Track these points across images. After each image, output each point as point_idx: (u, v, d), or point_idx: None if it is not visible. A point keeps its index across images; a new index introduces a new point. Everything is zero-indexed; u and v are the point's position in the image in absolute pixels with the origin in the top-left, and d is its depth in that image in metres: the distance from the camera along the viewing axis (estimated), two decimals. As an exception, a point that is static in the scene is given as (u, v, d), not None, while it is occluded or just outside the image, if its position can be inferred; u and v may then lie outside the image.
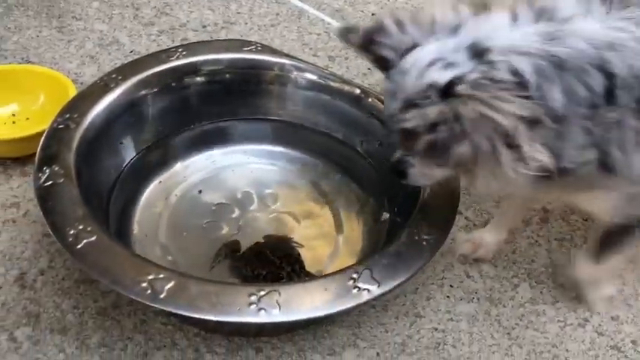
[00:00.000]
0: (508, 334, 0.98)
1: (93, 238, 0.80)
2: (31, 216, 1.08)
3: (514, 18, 0.75)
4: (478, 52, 0.71)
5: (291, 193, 1.12)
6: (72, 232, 0.80)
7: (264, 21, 1.60)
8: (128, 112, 1.05)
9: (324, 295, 0.78)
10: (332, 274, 0.83)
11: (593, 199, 0.85)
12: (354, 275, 0.80)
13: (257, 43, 1.16)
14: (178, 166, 1.12)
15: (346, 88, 1.11)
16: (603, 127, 0.72)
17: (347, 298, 0.78)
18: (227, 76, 1.11)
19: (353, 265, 0.84)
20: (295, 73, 1.11)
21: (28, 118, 1.21)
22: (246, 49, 1.14)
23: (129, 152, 1.07)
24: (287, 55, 1.15)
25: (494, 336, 0.98)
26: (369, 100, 1.08)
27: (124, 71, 1.06)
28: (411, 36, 0.77)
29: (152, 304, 0.75)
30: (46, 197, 0.84)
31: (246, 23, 1.59)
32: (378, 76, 1.45)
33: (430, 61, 0.72)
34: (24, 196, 1.11)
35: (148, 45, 1.47)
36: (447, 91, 0.70)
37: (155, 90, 1.08)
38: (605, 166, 0.75)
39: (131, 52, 1.45)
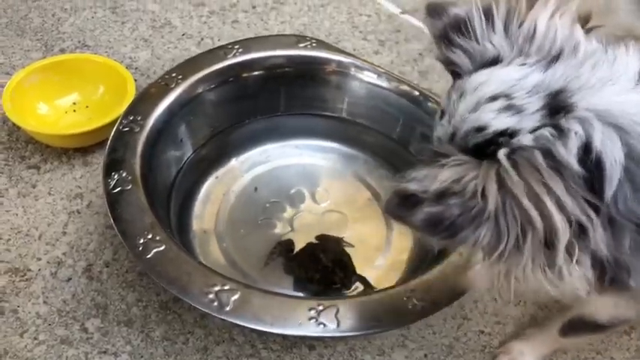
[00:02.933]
0: (553, 339, 1.01)
1: (162, 248, 0.84)
2: (95, 207, 1.13)
3: None
4: (557, 107, 0.54)
5: (341, 190, 1.14)
6: (141, 240, 0.85)
7: (313, 1, 1.59)
8: (187, 110, 1.07)
9: (381, 311, 0.82)
10: (388, 289, 0.87)
11: (612, 307, 0.76)
12: (409, 291, 0.83)
13: (312, 38, 1.16)
14: (234, 162, 1.15)
15: (403, 87, 1.11)
16: None
17: (403, 316, 0.81)
18: (283, 71, 1.12)
19: (407, 280, 0.87)
20: (353, 70, 1.12)
21: (87, 106, 1.25)
22: (302, 45, 1.14)
23: (187, 149, 1.10)
24: (343, 52, 1.15)
25: (539, 340, 1.01)
26: (428, 102, 1.07)
27: (184, 70, 1.08)
28: (497, 45, 0.61)
29: (219, 317, 0.79)
30: (115, 204, 0.88)
31: (296, 3, 1.58)
32: (428, 62, 1.45)
33: (493, 94, 0.57)
34: (87, 187, 1.15)
35: (200, 27, 1.49)
36: (489, 145, 0.55)
37: (212, 86, 1.10)
38: None
39: (183, 34, 1.47)
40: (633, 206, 0.53)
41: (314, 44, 1.15)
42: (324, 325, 0.79)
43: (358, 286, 0.99)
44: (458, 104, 0.59)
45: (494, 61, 0.61)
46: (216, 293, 0.80)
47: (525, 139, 0.54)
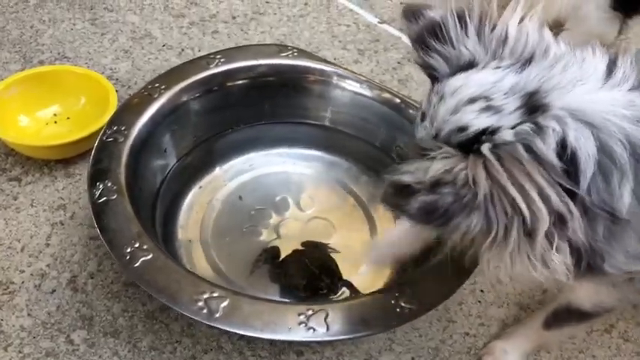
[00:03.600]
0: (536, 339, 1.03)
1: (149, 257, 0.84)
2: (78, 218, 1.12)
3: (609, 70, 0.60)
4: (533, 106, 0.58)
5: (326, 197, 1.15)
6: (128, 250, 0.85)
7: (292, 11, 1.61)
8: (171, 120, 1.08)
9: (369, 314, 0.82)
10: (376, 292, 0.87)
11: (594, 293, 0.80)
12: (397, 294, 0.84)
13: (293, 47, 1.18)
14: (218, 171, 1.16)
15: (385, 95, 1.12)
16: None
17: (391, 318, 0.82)
18: (265, 80, 1.13)
19: (395, 284, 0.88)
20: (335, 78, 1.13)
21: (68, 118, 1.25)
22: (283, 54, 1.15)
23: (172, 158, 1.10)
24: (325, 61, 1.16)
25: (522, 341, 1.02)
26: (409, 109, 1.09)
27: (167, 80, 1.08)
28: (471, 51, 0.64)
29: (209, 324, 0.79)
30: (100, 214, 0.88)
31: (275, 14, 1.60)
32: (407, 70, 1.47)
33: (472, 97, 0.60)
34: (69, 198, 1.15)
35: (180, 38, 1.49)
36: (472, 142, 0.58)
37: (196, 96, 1.10)
38: None
39: (163, 45, 1.47)
40: (605, 197, 0.57)
41: (295, 53, 1.16)
42: (314, 329, 0.80)
43: (345, 292, 1.00)
44: (438, 107, 0.62)
45: (470, 65, 0.64)
46: (206, 300, 0.80)
47: (506, 135, 0.57)
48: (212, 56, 1.14)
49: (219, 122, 1.15)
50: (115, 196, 0.91)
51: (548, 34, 0.64)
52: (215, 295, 0.81)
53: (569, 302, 0.86)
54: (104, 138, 0.98)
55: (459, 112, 0.60)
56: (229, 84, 1.12)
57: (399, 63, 1.49)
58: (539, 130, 0.56)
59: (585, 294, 0.81)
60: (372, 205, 1.13)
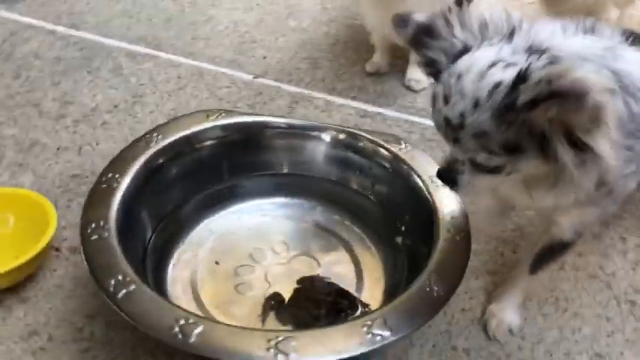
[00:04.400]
0: None
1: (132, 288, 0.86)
2: (57, 338, 1.03)
3: (564, 28, 0.78)
4: (539, 52, 0.72)
5: (299, 238, 1.19)
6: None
7: (169, 87, 1.64)
8: (138, 203, 1.06)
9: (339, 340, 0.85)
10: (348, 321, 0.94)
11: (578, 215, 0.92)
12: (369, 322, 0.87)
13: (218, 110, 1.22)
14: (183, 245, 1.16)
15: (331, 132, 1.22)
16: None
17: (361, 344, 0.84)
18: (212, 143, 1.17)
19: (368, 312, 0.95)
20: (276, 129, 1.21)
21: (-4, 242, 1.14)
22: (212, 117, 1.19)
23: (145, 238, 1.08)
24: (257, 114, 1.23)
25: None
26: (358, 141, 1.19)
27: (116, 168, 1.07)
28: (461, 39, 0.78)
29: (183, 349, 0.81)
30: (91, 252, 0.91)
31: (154, 92, 1.61)
32: (300, 111, 1.57)
33: (491, 63, 0.72)
34: (37, 322, 1.06)
35: (71, 138, 1.45)
36: (514, 88, 0.70)
37: (151, 176, 1.10)
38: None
39: (58, 149, 1.41)
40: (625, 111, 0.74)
41: (223, 114, 1.21)
42: (286, 354, 0.82)
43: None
44: (459, 83, 0.74)
45: (465, 50, 0.78)
46: (181, 327, 0.83)
47: (539, 72, 0.69)
48: (147, 135, 1.14)
49: (175, 197, 1.15)
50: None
51: (515, 12, 0.80)
52: (190, 321, 0.83)
53: (551, 239, 1.01)
54: (88, 236, 0.94)
55: (486, 76, 0.72)
56: (168, 161, 1.13)
57: (290, 107, 1.59)
58: (557, 59, 0.71)
59: (569, 221, 0.94)
60: (347, 235, 1.19)
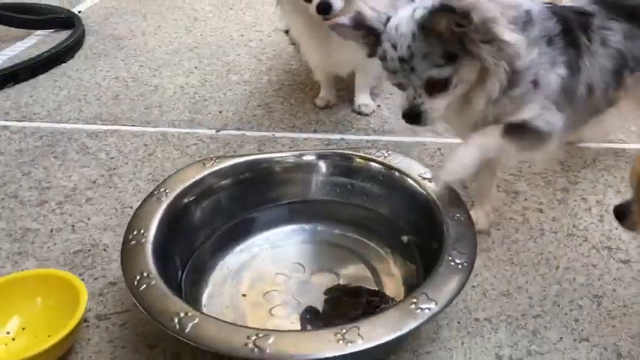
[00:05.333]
0: None
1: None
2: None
3: None
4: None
5: (313, 257, 1.28)
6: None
7: (139, 155, 1.70)
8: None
9: (396, 321, 0.95)
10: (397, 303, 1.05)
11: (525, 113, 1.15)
12: (414, 300, 0.98)
13: (212, 157, 1.31)
14: (207, 287, 1.21)
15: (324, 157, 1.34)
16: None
17: (414, 319, 0.95)
18: (219, 186, 1.26)
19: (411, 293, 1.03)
20: (280, 162, 1.32)
21: (24, 328, 1.16)
22: (209, 164, 1.28)
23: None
24: (255, 153, 1.33)
25: None
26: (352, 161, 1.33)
27: (139, 224, 1.12)
28: (382, 16, 1.12)
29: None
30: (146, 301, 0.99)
31: (126, 163, 1.67)
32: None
33: (412, 11, 1.06)
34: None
35: (60, 219, 1.47)
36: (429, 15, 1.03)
37: (162, 230, 1.16)
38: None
39: (52, 231, 1.43)
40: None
41: (217, 160, 1.29)
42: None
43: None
44: (399, 29, 1.06)
45: (389, 18, 1.11)
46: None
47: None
48: (155, 192, 1.21)
49: (192, 242, 1.21)
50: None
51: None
52: (261, 335, 0.92)
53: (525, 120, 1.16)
54: (136, 288, 1.00)
55: (413, 17, 1.06)
56: (188, 204, 1.21)
57: (260, 149, 1.69)
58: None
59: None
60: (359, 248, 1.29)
